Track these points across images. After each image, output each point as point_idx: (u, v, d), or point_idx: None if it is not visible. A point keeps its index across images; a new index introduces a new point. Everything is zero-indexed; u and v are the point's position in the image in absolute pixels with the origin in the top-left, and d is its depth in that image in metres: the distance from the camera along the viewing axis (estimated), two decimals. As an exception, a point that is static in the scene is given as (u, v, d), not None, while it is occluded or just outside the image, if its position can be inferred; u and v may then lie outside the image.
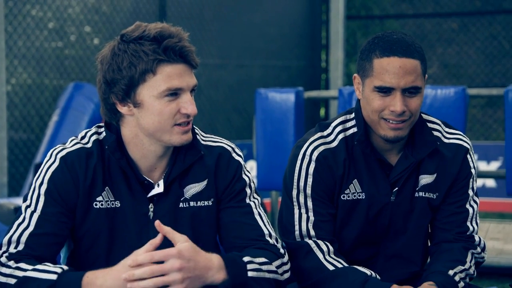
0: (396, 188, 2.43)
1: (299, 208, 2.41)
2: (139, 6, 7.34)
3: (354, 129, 2.44)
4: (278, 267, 2.17)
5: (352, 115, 2.46)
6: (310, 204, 2.40)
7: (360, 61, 2.39)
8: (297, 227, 2.40)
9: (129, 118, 2.15)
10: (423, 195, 2.44)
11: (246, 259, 2.10)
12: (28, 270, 2.02)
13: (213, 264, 2.03)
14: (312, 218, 2.40)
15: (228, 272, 2.04)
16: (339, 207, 2.44)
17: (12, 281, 2.02)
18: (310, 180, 2.40)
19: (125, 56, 2.09)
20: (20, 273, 2.02)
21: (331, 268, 2.33)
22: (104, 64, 2.12)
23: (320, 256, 2.35)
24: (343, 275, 2.31)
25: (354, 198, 2.43)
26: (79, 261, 2.20)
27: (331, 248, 2.38)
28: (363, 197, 2.43)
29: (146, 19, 6.92)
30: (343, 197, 2.43)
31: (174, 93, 2.10)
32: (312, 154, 2.42)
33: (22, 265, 2.03)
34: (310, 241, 2.37)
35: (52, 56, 6.79)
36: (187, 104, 2.11)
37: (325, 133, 2.45)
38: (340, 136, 2.44)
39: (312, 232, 2.38)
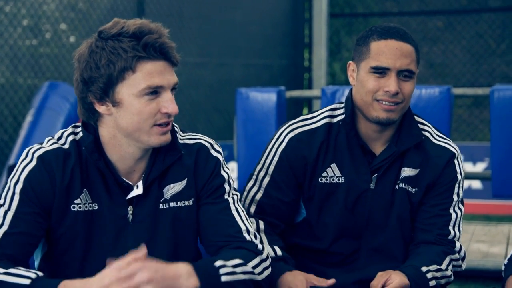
0: (376, 175, 2.48)
1: (253, 185, 2.52)
2: (117, 3, 7.32)
3: (342, 117, 2.52)
4: (255, 266, 2.16)
5: (342, 105, 2.54)
6: (265, 182, 2.50)
7: (356, 48, 2.49)
8: (242, 203, 2.47)
9: (107, 118, 2.13)
10: (403, 187, 2.49)
11: (218, 263, 2.10)
12: (0, 274, 2.00)
13: (181, 271, 2.03)
14: (258, 197, 2.50)
15: (199, 278, 2.04)
16: (317, 190, 2.50)
17: None
18: (276, 159, 2.50)
19: (103, 54, 2.07)
20: None
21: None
22: (81, 62, 2.11)
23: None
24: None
25: (332, 181, 2.49)
26: (53, 263, 2.19)
27: (261, 226, 2.47)
28: (343, 181, 2.49)
29: (123, 16, 6.89)
30: (321, 180, 2.49)
31: (155, 92, 2.09)
32: (286, 135, 2.51)
33: None
34: None
35: (27, 54, 6.75)
36: (168, 103, 2.10)
37: (309, 116, 2.55)
38: (325, 121, 2.52)
39: (251, 210, 2.50)
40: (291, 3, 9.27)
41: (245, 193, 2.54)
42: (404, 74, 2.41)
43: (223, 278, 2.09)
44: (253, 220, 2.48)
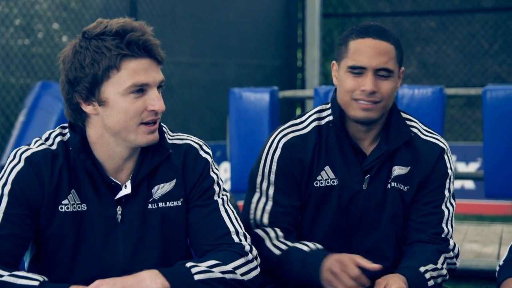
0: (368, 176, 2.46)
1: (259, 197, 2.46)
2: (109, 2, 7.31)
3: (330, 118, 2.50)
4: (237, 267, 2.14)
5: (328, 105, 2.53)
6: (271, 192, 2.45)
7: (337, 47, 2.48)
8: (252, 216, 2.45)
9: (94, 117, 2.13)
10: (395, 186, 2.48)
11: (189, 264, 2.09)
12: (5, 276, 2.00)
13: (144, 275, 2.03)
14: (268, 207, 2.44)
15: (168, 278, 2.03)
16: (313, 194, 2.47)
17: None
18: (274, 167, 2.46)
19: (87, 53, 2.07)
20: None
21: (277, 252, 2.37)
22: (66, 63, 2.11)
23: (267, 242, 2.39)
24: (285, 258, 2.35)
25: (327, 184, 2.47)
26: (43, 265, 2.17)
27: (280, 233, 2.41)
28: (336, 183, 2.47)
29: (116, 16, 6.87)
30: (316, 184, 2.47)
31: (140, 90, 2.09)
32: (279, 141, 2.47)
33: None
34: (258, 230, 2.42)
35: (19, 54, 6.73)
36: (154, 101, 2.10)
37: (298, 121, 2.52)
38: (314, 124, 2.50)
39: (265, 221, 2.43)
40: (284, 3, 9.26)
41: (253, 206, 2.46)
42: (381, 73, 2.40)
43: (197, 277, 2.07)
44: (269, 229, 2.42)
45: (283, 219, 2.44)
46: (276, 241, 2.40)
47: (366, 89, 2.38)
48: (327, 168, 2.47)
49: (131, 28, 2.08)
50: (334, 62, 2.50)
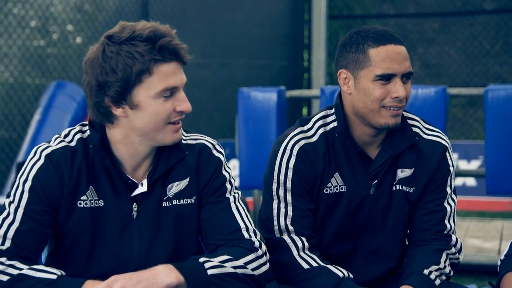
0: (376, 181, 2.44)
1: (279, 203, 2.42)
2: (122, 5, 7.32)
3: (334, 124, 2.46)
4: (248, 262, 2.15)
5: (332, 111, 2.48)
6: (289, 198, 2.41)
7: (346, 55, 2.40)
8: (275, 222, 2.41)
9: (123, 119, 2.13)
10: (401, 188, 2.46)
11: (202, 259, 2.09)
12: (24, 269, 2.02)
13: (159, 269, 2.03)
14: (290, 213, 2.41)
15: (181, 272, 2.04)
16: (322, 201, 2.45)
17: (4, 278, 2.02)
18: (290, 174, 2.42)
19: (119, 58, 2.07)
20: (14, 271, 2.02)
21: (305, 266, 2.35)
22: (95, 67, 2.09)
23: (295, 252, 2.36)
24: (315, 276, 2.33)
25: (336, 191, 2.44)
26: (60, 259, 2.19)
27: (306, 244, 2.38)
28: (345, 190, 2.44)
29: (128, 18, 6.90)
30: (326, 190, 2.44)
31: (170, 92, 2.11)
32: (293, 148, 2.43)
33: (16, 263, 2.03)
34: (286, 237, 2.38)
35: (34, 54, 6.75)
36: (182, 102, 2.13)
37: (305, 128, 2.46)
38: (320, 131, 2.45)
39: (290, 227, 2.40)
40: (291, 5, 9.26)
41: (274, 212, 2.42)
42: (406, 77, 2.37)
43: (210, 271, 2.07)
44: (296, 238, 2.39)
45: (304, 223, 2.41)
46: (303, 253, 2.38)
47: (400, 95, 2.34)
48: (336, 175, 2.44)
49: (161, 34, 2.09)
50: (342, 70, 2.42)
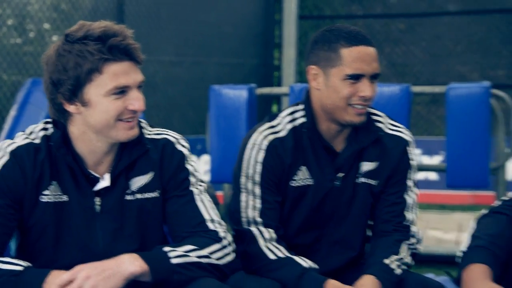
0: (341, 174, 2.48)
1: (247, 195, 2.44)
2: (97, 4, 7.30)
3: (303, 119, 2.48)
4: (213, 252, 2.16)
5: (301, 106, 2.51)
6: (257, 191, 2.44)
7: (317, 52, 2.42)
8: (243, 214, 2.44)
9: (77, 116, 2.14)
10: (365, 181, 2.50)
11: (166, 249, 2.10)
12: None
13: (123, 258, 2.04)
14: (258, 205, 2.43)
15: (146, 261, 2.05)
16: (289, 193, 2.48)
17: None
18: (258, 168, 2.44)
19: (70, 57, 2.07)
20: None
21: (271, 256, 2.38)
22: (50, 65, 2.11)
23: (262, 243, 2.40)
24: (281, 266, 2.36)
25: (303, 184, 2.47)
26: (27, 252, 2.20)
27: (273, 235, 2.42)
28: (312, 183, 2.48)
29: (104, 17, 6.90)
30: (292, 183, 2.47)
31: (122, 91, 2.11)
32: (261, 143, 2.45)
33: None
34: (254, 228, 2.42)
35: (11, 52, 6.73)
36: (135, 101, 2.12)
37: (274, 123, 2.49)
38: (289, 126, 2.48)
39: (258, 219, 2.42)
40: (263, 5, 9.27)
41: (242, 204, 2.44)
42: (374, 77, 2.41)
43: (174, 261, 2.08)
44: (263, 229, 2.41)
45: (271, 215, 2.44)
46: (269, 244, 2.41)
47: (367, 95, 2.37)
48: (303, 168, 2.47)
49: (113, 33, 2.09)
50: (312, 67, 2.43)
